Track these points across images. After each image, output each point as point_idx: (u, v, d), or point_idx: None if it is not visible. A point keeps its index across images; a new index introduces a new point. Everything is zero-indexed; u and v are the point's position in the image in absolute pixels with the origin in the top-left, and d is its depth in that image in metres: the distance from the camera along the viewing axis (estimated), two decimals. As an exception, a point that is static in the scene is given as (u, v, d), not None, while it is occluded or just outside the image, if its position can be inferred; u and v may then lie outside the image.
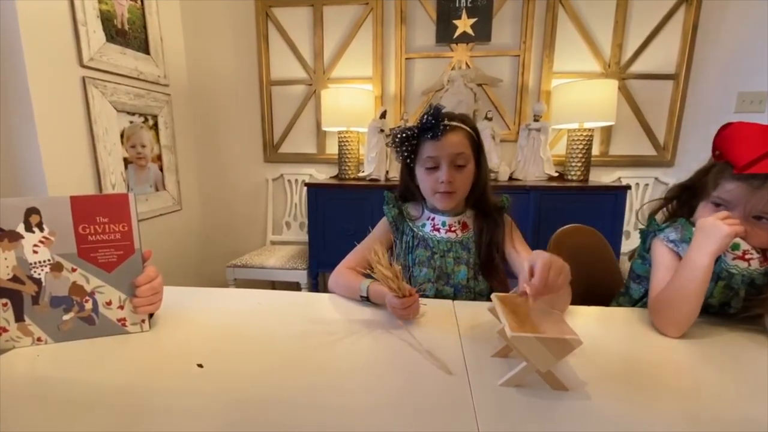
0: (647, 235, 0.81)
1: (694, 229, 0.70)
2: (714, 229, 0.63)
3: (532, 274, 0.56)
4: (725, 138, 0.68)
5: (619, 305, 0.90)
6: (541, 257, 0.57)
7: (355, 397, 0.50)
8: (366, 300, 0.79)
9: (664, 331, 0.67)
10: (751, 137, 0.65)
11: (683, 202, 0.80)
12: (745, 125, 0.66)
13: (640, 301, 0.85)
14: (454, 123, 0.84)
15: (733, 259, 0.68)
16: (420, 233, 0.90)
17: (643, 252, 0.83)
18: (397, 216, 0.91)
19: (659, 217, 0.82)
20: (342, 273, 0.88)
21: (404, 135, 0.86)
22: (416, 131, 0.85)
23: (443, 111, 0.84)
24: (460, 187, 0.86)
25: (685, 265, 0.66)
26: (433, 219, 0.91)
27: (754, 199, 0.65)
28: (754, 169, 0.63)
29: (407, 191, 0.94)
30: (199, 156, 2.31)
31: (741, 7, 1.79)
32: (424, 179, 0.87)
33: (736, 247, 0.68)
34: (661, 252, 0.76)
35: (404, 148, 0.87)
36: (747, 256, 0.67)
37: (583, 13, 1.95)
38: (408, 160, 0.88)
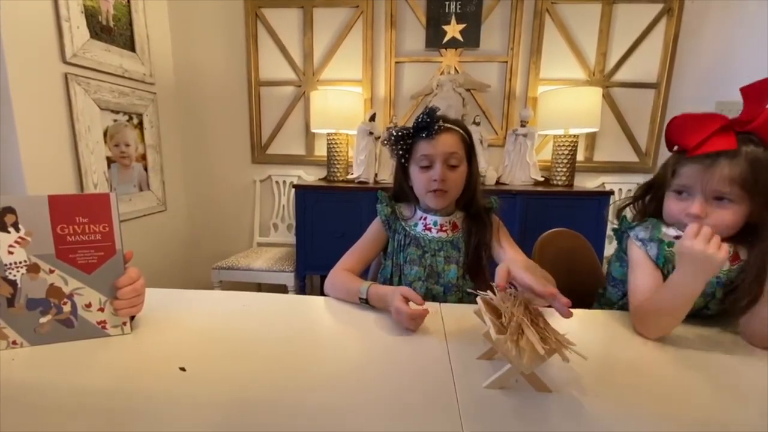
0: (621, 235, 0.82)
1: (664, 230, 0.71)
2: (707, 260, 0.60)
3: (507, 279, 0.57)
4: (674, 129, 0.72)
5: (600, 308, 0.91)
6: (520, 267, 0.57)
7: (341, 398, 0.50)
8: (365, 303, 0.78)
9: (645, 335, 0.68)
10: (697, 122, 0.68)
11: (651, 199, 0.81)
12: (690, 114, 0.69)
13: (618, 304, 0.85)
14: (448, 124, 0.87)
15: None
16: (412, 232, 0.92)
17: (621, 253, 0.83)
18: (390, 214, 0.92)
19: (629, 215, 0.83)
20: (339, 275, 0.87)
21: (399, 134, 0.88)
22: (411, 131, 0.87)
23: (438, 113, 0.86)
24: (453, 186, 0.87)
25: (675, 288, 0.65)
26: (425, 219, 0.92)
27: (708, 178, 0.66)
28: (703, 149, 0.67)
29: (401, 191, 0.95)
30: (185, 156, 2.28)
31: (720, 20, 1.85)
32: (417, 178, 0.88)
33: None
34: (635, 253, 0.77)
35: (399, 147, 0.89)
36: None
37: (569, 21, 2.00)
38: (402, 159, 0.90)
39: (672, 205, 0.73)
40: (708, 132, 0.66)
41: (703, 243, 0.60)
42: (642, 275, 0.74)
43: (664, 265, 0.73)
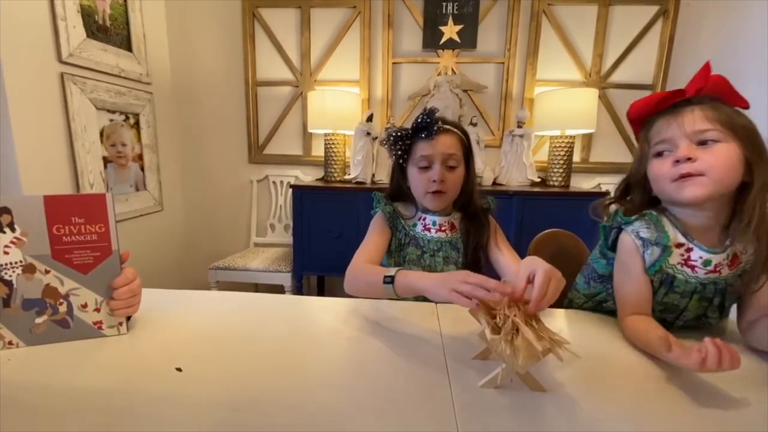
0: (610, 230, 0.75)
1: (671, 233, 0.67)
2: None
3: (529, 281, 0.54)
4: (636, 109, 0.71)
5: (571, 301, 0.88)
6: (542, 267, 0.55)
7: (336, 398, 0.50)
8: (389, 284, 0.69)
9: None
10: (653, 95, 0.68)
11: (635, 193, 0.75)
12: (644, 97, 0.70)
13: (599, 295, 0.81)
14: (447, 126, 0.87)
15: (706, 273, 0.66)
16: (411, 232, 0.92)
17: (606, 250, 0.77)
18: (392, 213, 0.91)
19: (616, 211, 0.76)
20: (361, 268, 0.80)
21: (398, 134, 0.88)
22: (410, 131, 0.87)
23: (437, 114, 0.86)
24: (451, 187, 0.87)
25: (657, 350, 0.60)
26: (424, 219, 0.92)
27: (684, 120, 0.62)
28: (667, 102, 0.66)
29: (399, 191, 0.95)
30: (182, 156, 2.27)
31: (715, 22, 1.87)
32: (416, 178, 0.88)
33: (707, 263, 0.66)
34: (626, 256, 0.71)
35: (398, 147, 0.88)
36: (718, 268, 0.66)
37: (565, 23, 2.01)
38: (401, 160, 0.90)
39: (657, 168, 0.66)
40: (667, 93, 0.67)
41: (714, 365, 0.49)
42: (630, 285, 0.70)
43: (655, 274, 0.68)
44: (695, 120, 0.62)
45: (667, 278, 0.68)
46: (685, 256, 0.67)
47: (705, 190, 0.61)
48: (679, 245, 0.67)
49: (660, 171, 0.66)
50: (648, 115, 0.69)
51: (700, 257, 0.66)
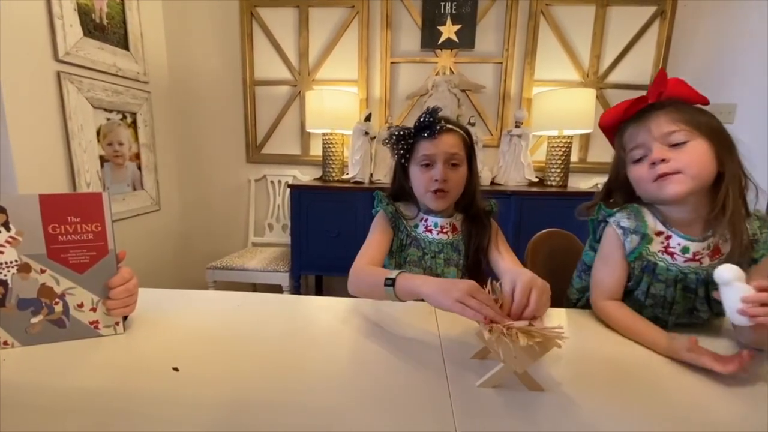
0: (597, 224, 0.79)
1: (650, 222, 0.71)
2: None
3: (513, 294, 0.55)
4: (605, 119, 0.77)
5: (568, 298, 0.91)
6: (521, 279, 0.55)
7: (334, 398, 0.50)
8: (390, 287, 0.67)
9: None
10: (620, 105, 0.75)
11: (618, 194, 0.80)
12: (612, 107, 0.77)
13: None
14: (450, 125, 0.86)
15: (685, 261, 0.69)
16: (413, 233, 0.91)
17: (594, 243, 0.81)
18: (394, 213, 0.91)
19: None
20: (363, 269, 0.80)
21: (401, 133, 0.87)
22: (413, 130, 0.87)
23: (439, 113, 0.86)
24: (454, 187, 0.87)
25: (640, 337, 0.67)
26: (425, 220, 0.92)
27: (652, 125, 0.68)
28: (633, 109, 0.72)
29: (400, 191, 0.95)
30: (179, 155, 2.26)
31: (713, 23, 1.87)
32: (418, 177, 0.88)
33: (686, 250, 0.69)
34: (608, 244, 0.75)
35: (400, 147, 0.88)
36: (698, 257, 0.69)
37: (563, 23, 2.01)
38: (403, 160, 0.89)
39: (636, 172, 0.71)
40: (631, 101, 0.72)
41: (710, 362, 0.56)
42: (608, 271, 0.75)
43: (635, 261, 0.72)
44: (661, 124, 0.67)
45: (649, 265, 0.72)
46: (665, 244, 0.71)
47: (685, 186, 0.65)
48: (659, 233, 0.71)
49: (639, 174, 0.71)
50: (619, 123, 0.75)
51: (679, 244, 0.70)
